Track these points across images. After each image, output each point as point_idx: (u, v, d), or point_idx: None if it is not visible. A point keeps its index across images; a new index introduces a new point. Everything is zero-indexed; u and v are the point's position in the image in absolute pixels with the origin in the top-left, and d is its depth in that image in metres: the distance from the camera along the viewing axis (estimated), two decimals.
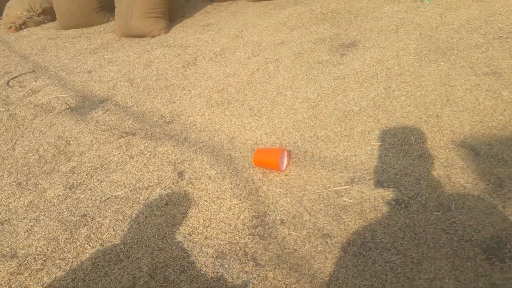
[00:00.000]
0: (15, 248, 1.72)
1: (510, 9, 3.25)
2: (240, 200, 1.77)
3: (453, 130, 1.97)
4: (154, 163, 2.17)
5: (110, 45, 4.40)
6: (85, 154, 2.38)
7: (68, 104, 3.01)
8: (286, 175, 1.90)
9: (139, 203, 1.88)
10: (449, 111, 2.11)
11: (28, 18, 5.65)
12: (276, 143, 2.15)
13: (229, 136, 2.31)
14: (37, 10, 5.62)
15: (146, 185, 2.00)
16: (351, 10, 3.97)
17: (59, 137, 2.58)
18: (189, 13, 5.15)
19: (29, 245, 1.73)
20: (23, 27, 5.69)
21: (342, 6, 4.12)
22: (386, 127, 2.08)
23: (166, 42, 4.17)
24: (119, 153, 2.32)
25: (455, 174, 1.70)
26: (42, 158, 2.39)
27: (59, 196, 2.03)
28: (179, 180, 1.99)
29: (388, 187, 1.70)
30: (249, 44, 3.69)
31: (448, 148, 1.85)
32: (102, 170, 2.20)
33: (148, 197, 1.91)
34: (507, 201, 1.51)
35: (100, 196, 1.99)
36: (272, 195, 1.78)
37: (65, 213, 1.89)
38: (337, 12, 3.98)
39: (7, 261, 1.65)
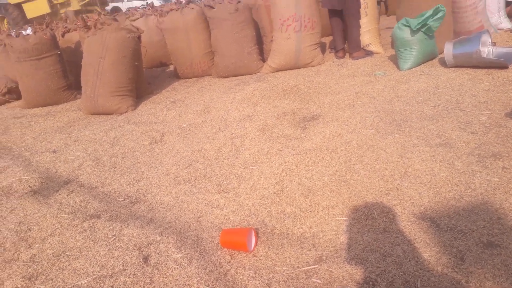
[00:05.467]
0: None
1: (454, 81, 3.54)
2: (207, 286, 1.73)
3: (413, 202, 2.04)
4: (119, 247, 2.11)
5: (77, 123, 4.41)
6: (47, 240, 2.29)
7: (30, 187, 2.93)
8: (254, 255, 1.89)
9: None
10: (408, 183, 2.20)
11: None
12: (244, 221, 2.16)
13: (196, 215, 2.30)
14: (2, 89, 5.62)
15: (110, 273, 1.93)
16: (310, 86, 4.21)
17: (20, 222, 2.48)
18: (156, 90, 5.28)
19: None
20: None
21: (301, 82, 4.37)
22: (349, 202, 2.14)
23: (133, 119, 4.23)
24: (82, 238, 2.25)
25: (418, 248, 1.74)
26: (1, 246, 2.28)
27: None
28: (144, 265, 1.93)
29: (356, 265, 1.71)
30: (216, 119, 3.79)
31: (410, 221, 1.91)
32: (65, 257, 2.12)
33: (112, 286, 1.83)
34: (470, 275, 1.55)
35: (61, 287, 1.89)
36: (240, 279, 1.75)
37: None
38: (297, 88, 4.20)
39: None
